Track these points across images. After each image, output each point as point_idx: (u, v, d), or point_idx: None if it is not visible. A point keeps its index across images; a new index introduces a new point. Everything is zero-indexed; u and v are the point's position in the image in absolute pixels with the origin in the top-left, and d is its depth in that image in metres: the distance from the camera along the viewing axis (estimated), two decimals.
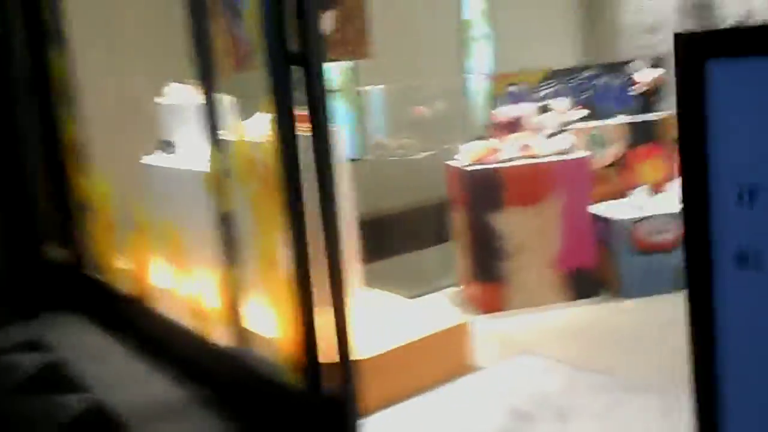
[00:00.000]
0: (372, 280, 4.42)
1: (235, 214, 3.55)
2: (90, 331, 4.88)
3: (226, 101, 3.74)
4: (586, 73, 5.85)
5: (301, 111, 2.86)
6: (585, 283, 5.07)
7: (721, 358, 1.18)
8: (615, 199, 5.39)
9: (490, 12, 6.93)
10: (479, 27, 6.91)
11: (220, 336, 3.72)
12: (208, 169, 3.60)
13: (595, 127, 5.58)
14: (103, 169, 4.93)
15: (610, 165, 5.57)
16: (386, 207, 5.69)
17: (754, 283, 1.13)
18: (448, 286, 5.51)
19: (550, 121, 5.35)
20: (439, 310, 4.99)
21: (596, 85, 5.81)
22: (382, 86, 5.87)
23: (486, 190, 4.94)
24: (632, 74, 5.84)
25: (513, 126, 5.24)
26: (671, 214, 5.03)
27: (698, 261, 1.17)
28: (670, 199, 5.34)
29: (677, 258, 4.99)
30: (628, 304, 4.94)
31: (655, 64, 5.90)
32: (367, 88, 5.82)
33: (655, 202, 5.24)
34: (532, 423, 3.41)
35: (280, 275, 3.15)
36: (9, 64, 5.15)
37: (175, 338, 4.15)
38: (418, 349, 3.83)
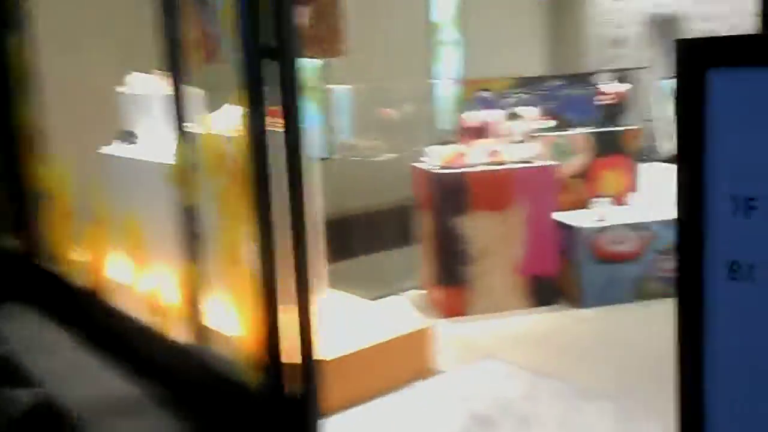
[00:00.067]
0: (334, 281, 4.38)
1: (199, 207, 3.47)
2: (43, 323, 4.74)
3: (194, 93, 3.67)
4: (552, 83, 5.90)
5: (271, 106, 2.81)
6: (546, 290, 5.11)
7: (709, 370, 1.18)
8: (579, 208, 5.44)
9: (461, 18, 6.96)
10: (449, 33, 6.94)
11: (179, 333, 3.64)
12: (171, 161, 3.52)
13: (560, 136, 5.63)
14: (63, 158, 4.81)
15: (576, 175, 5.62)
16: (350, 207, 5.66)
17: (746, 294, 1.13)
18: (410, 289, 5.50)
19: (519, 128, 5.37)
20: (402, 313, 4.98)
21: (561, 95, 5.86)
22: (350, 86, 5.84)
23: (452, 193, 4.94)
24: (597, 85, 5.90)
25: (481, 131, 5.25)
26: (632, 225, 5.10)
27: (690, 270, 1.17)
28: (631, 210, 5.42)
29: (637, 268, 5.06)
30: (588, 313, 4.98)
31: (621, 78, 5.98)
32: (335, 86, 5.78)
33: (616, 212, 5.30)
34: (493, 428, 3.42)
35: (243, 272, 3.09)
36: None
37: (131, 334, 4.05)
38: (381, 351, 3.81)
